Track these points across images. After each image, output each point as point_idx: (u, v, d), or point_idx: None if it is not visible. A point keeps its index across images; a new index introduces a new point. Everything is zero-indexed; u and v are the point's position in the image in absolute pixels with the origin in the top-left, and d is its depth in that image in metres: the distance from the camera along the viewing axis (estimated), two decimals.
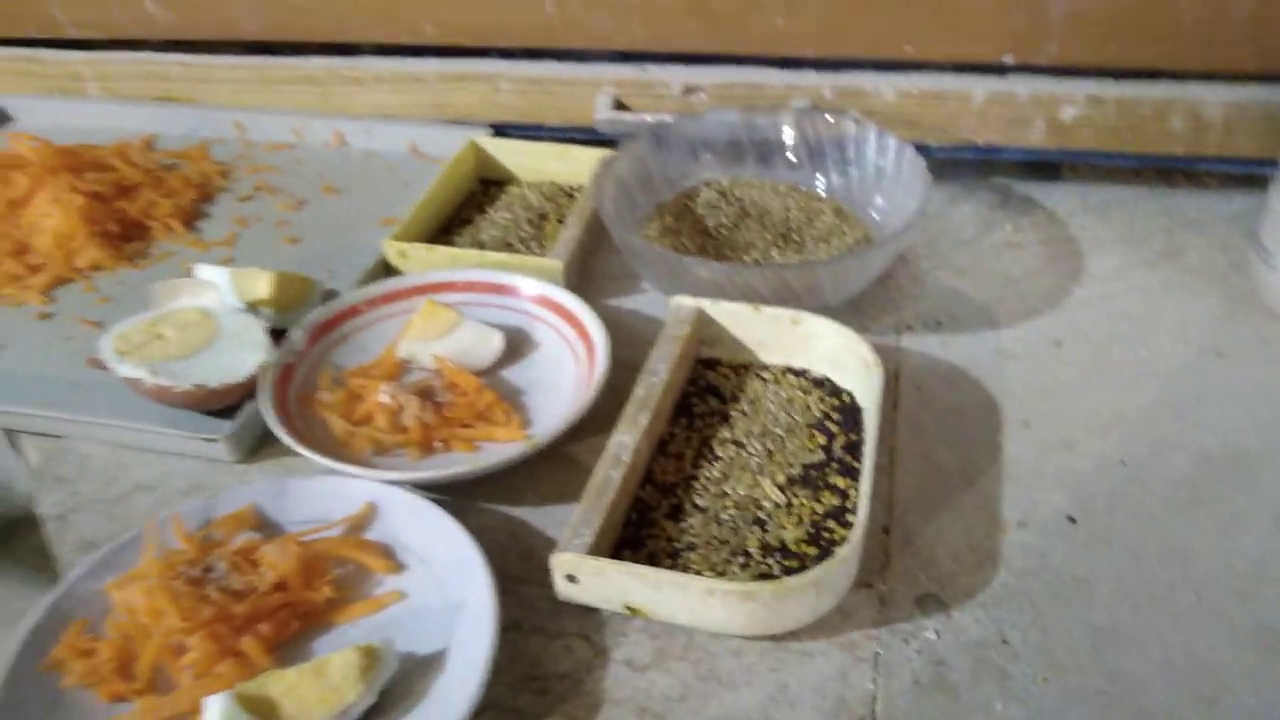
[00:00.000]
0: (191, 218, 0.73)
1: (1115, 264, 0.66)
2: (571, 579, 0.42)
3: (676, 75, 0.76)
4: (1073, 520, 0.48)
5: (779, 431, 0.52)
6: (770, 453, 0.51)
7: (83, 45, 0.88)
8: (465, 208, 0.73)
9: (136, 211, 0.71)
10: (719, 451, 0.51)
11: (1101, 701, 0.40)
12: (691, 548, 0.46)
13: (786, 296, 0.57)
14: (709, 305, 0.56)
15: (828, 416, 0.53)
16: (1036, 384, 0.57)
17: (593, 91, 0.77)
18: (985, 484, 0.50)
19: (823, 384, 0.55)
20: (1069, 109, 0.69)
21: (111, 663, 0.39)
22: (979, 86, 0.71)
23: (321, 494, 0.47)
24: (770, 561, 0.45)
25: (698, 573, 0.44)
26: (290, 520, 0.47)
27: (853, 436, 0.52)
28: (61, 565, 0.48)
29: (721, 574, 0.44)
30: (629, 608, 0.43)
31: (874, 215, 0.67)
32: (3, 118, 0.89)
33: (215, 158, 0.81)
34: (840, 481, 0.49)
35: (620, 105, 0.77)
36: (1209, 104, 0.67)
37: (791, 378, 0.56)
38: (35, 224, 0.68)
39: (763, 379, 0.56)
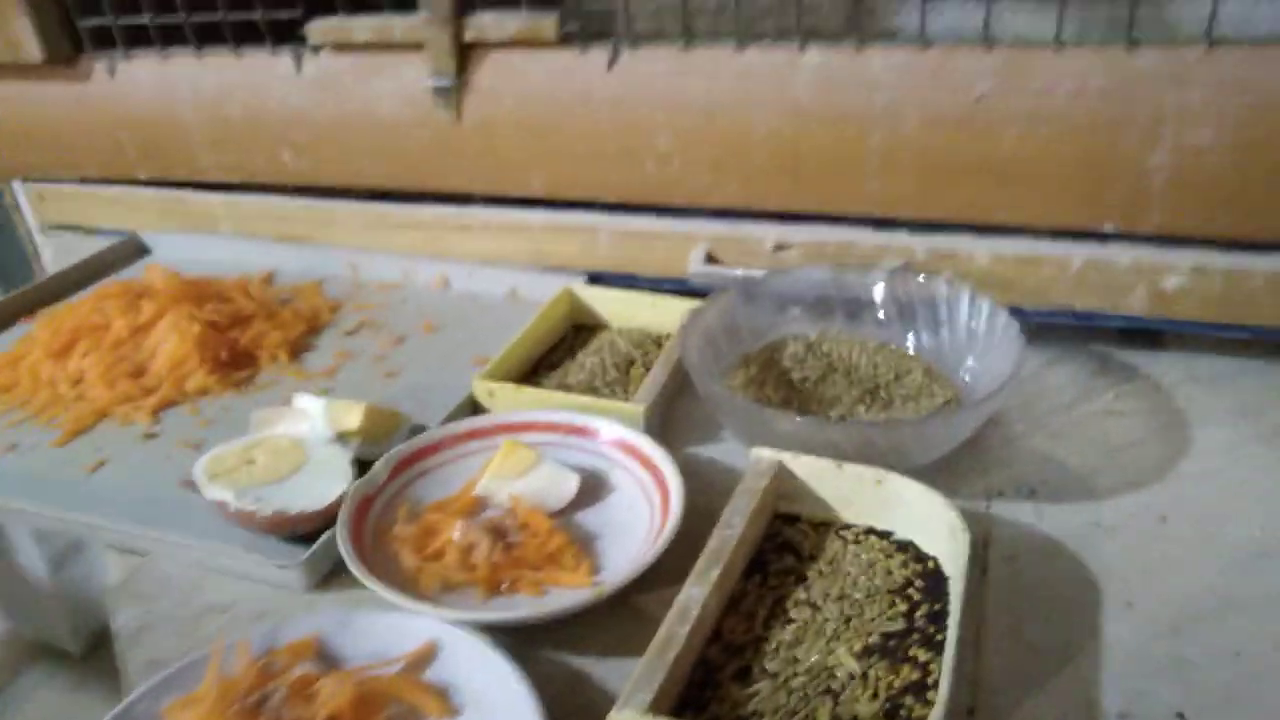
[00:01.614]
0: (298, 349, 0.76)
1: (1226, 437, 0.62)
2: None
3: (768, 232, 0.77)
4: (1182, 717, 0.44)
5: (858, 596, 0.49)
6: (848, 618, 0.48)
7: (220, 188, 0.96)
8: (556, 351, 0.75)
9: (247, 341, 0.75)
10: (793, 613, 0.49)
11: None
12: (757, 715, 0.43)
13: (871, 455, 0.55)
14: (790, 459, 0.55)
15: (910, 583, 0.50)
16: (1139, 562, 0.53)
17: (687, 245, 0.79)
18: (1082, 667, 0.47)
19: (907, 548, 0.53)
20: (1172, 278, 0.67)
21: None
22: (1077, 253, 0.70)
23: (385, 630, 0.47)
24: None
25: None
26: (352, 654, 0.46)
27: (937, 606, 0.49)
28: (129, 682, 0.48)
29: None
30: None
31: (965, 377, 0.66)
32: (144, 250, 0.97)
33: (327, 294, 0.85)
34: (921, 654, 0.46)
35: (712, 259, 0.79)
36: None
37: (874, 539, 0.54)
38: (154, 348, 0.72)
39: (843, 538, 0.54)
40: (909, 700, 0.44)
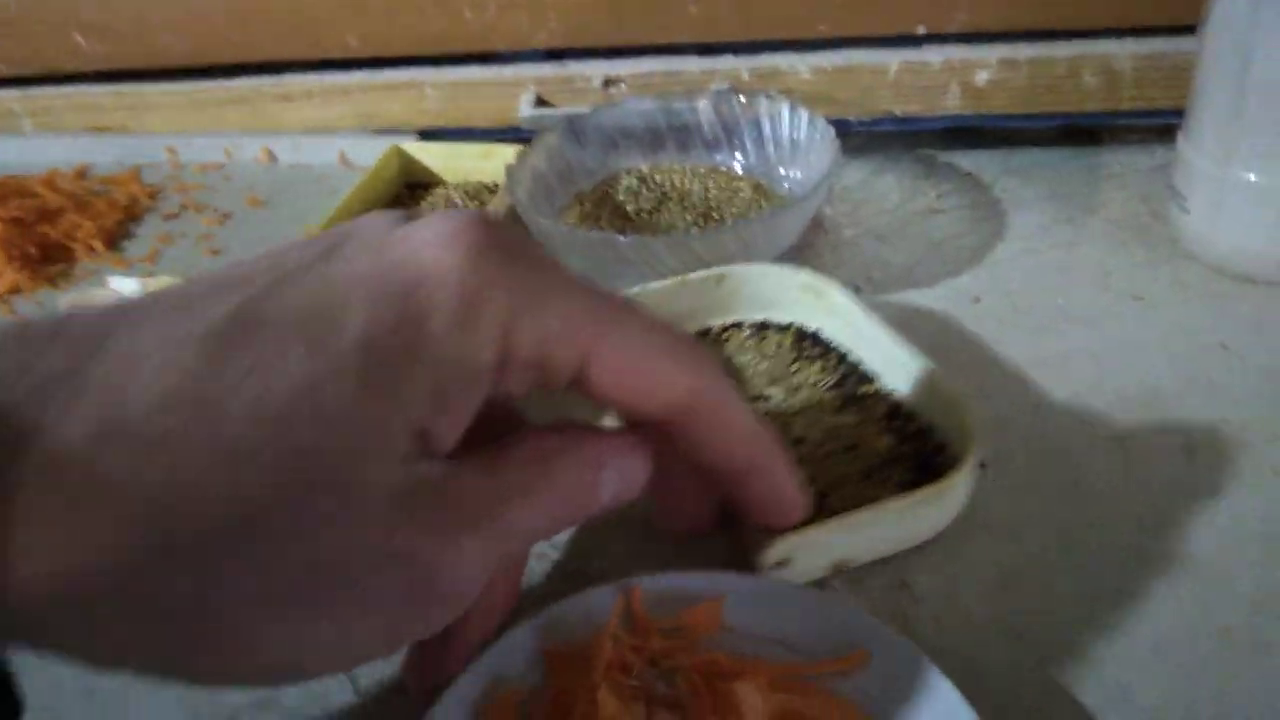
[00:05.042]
0: (115, 238, 0.73)
1: (1037, 221, 0.65)
2: None
3: (596, 69, 0.76)
4: (983, 466, 0.47)
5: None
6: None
7: (16, 82, 0.89)
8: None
9: (58, 234, 0.71)
10: None
11: (1008, 638, 0.39)
12: None
13: (701, 269, 0.56)
14: (637, 290, 0.55)
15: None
16: (954, 338, 0.56)
17: (516, 92, 0.78)
18: None
19: (786, 329, 0.55)
20: (982, 73, 0.69)
21: None
22: (893, 58, 0.71)
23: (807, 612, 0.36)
24: None
25: None
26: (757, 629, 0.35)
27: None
28: None
29: None
30: None
31: (789, 188, 0.67)
32: None
33: (145, 181, 0.81)
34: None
35: (543, 102, 0.77)
36: (1119, 58, 0.67)
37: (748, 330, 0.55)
38: None
39: (723, 340, 0.55)
40: None
